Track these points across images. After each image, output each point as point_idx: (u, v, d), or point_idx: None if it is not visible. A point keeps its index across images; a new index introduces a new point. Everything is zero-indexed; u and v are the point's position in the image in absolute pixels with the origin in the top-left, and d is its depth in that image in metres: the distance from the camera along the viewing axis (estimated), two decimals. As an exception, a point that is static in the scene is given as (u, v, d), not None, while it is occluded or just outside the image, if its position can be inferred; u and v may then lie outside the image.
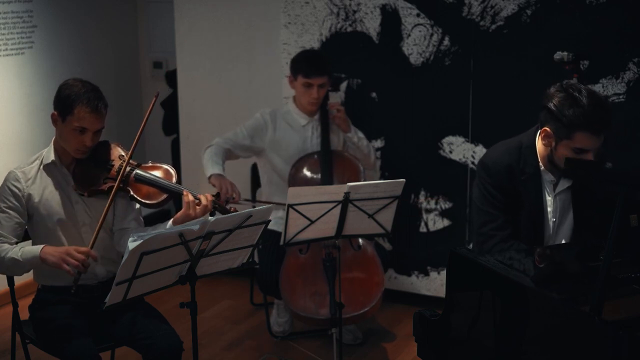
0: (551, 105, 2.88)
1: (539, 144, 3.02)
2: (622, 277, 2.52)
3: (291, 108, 4.32)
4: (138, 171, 3.21)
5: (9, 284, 3.28)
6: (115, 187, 3.11)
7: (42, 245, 3.02)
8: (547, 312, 2.46)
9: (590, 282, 2.36)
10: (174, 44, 5.16)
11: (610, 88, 4.05)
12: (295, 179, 4.19)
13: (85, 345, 3.00)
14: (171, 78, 5.64)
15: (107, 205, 3.08)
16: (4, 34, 4.73)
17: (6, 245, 3.06)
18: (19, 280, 3.34)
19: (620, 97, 4.03)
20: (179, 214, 3.13)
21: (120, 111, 5.48)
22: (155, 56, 5.83)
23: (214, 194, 3.28)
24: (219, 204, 3.26)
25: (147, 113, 3.16)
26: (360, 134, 4.34)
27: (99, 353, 3.06)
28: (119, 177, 3.13)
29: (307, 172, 4.21)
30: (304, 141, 4.28)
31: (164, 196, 3.18)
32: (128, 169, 3.18)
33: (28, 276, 3.34)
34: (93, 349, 3.02)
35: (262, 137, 4.29)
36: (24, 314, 3.27)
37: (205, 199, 3.15)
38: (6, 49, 4.76)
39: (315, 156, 4.24)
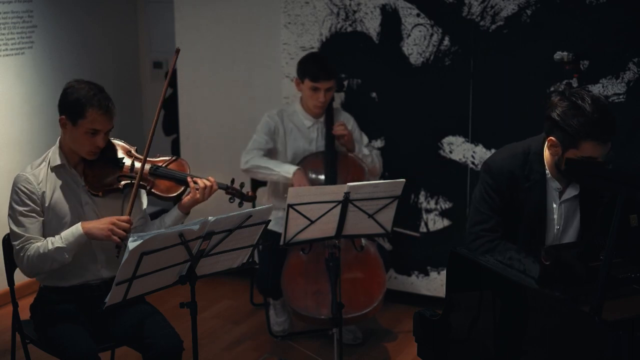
0: (555, 115, 2.82)
1: (546, 151, 2.97)
2: (622, 277, 2.52)
3: (297, 109, 4.32)
4: (154, 166, 3.22)
5: (9, 284, 3.27)
6: (135, 184, 3.12)
7: (77, 224, 3.04)
8: (547, 312, 2.46)
9: (590, 282, 2.36)
10: (174, 44, 5.15)
11: (610, 88, 4.04)
12: None
13: (85, 346, 3.00)
14: (171, 78, 5.63)
15: (131, 202, 3.10)
16: (4, 34, 4.73)
17: (39, 242, 3.05)
18: (19, 280, 3.34)
19: (620, 97, 4.03)
20: (186, 198, 3.18)
21: (120, 111, 5.44)
22: (155, 56, 5.83)
23: (231, 179, 3.34)
24: (236, 189, 3.29)
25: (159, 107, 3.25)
26: (366, 151, 4.34)
27: (99, 353, 3.06)
28: (139, 174, 3.13)
29: (310, 172, 4.20)
30: (309, 142, 4.28)
31: (182, 188, 3.20)
32: (146, 166, 3.19)
33: (29, 275, 3.34)
34: (93, 349, 3.02)
35: (276, 137, 4.29)
36: (24, 314, 3.27)
37: (207, 181, 3.20)
38: (6, 49, 4.76)
39: (320, 156, 4.24)
